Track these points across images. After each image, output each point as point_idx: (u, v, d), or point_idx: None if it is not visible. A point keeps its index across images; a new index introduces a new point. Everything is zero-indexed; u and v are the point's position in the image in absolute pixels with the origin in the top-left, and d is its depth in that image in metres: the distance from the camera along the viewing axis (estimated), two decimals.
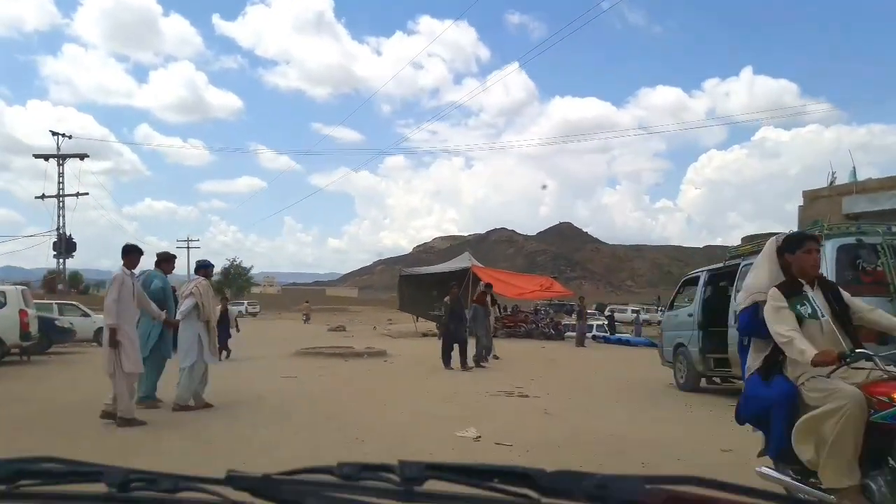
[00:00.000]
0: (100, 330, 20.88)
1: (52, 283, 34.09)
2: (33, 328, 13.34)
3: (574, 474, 0.78)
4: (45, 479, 0.86)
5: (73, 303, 20.87)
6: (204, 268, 8.44)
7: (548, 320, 27.16)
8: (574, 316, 27.33)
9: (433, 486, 0.79)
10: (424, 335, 25.70)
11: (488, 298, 16.13)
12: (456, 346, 13.03)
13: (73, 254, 32.05)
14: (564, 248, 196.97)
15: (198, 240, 75.58)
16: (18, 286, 13.90)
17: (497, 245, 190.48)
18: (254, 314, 54.30)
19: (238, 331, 16.00)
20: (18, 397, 8.81)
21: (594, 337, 26.47)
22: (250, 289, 77.19)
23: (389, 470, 0.82)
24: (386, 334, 27.37)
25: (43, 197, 31.83)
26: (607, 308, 48.75)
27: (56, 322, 15.81)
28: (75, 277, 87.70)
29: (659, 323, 42.02)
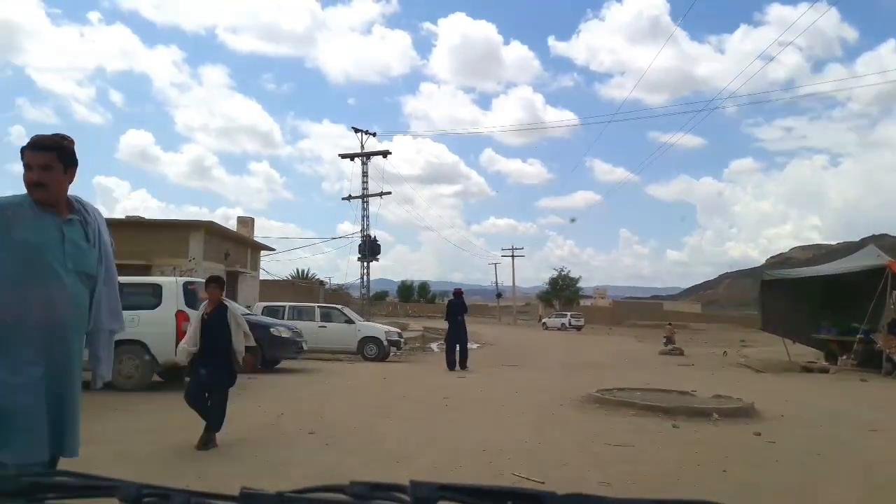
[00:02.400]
0: (364, 340, 17.64)
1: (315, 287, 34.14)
2: None
3: (584, 497, 0.79)
4: (61, 492, 0.87)
5: (338, 307, 17.66)
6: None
7: None
8: None
9: None
10: (807, 369, 16.61)
11: None
12: None
13: (378, 257, 30.77)
14: None
15: (522, 248, 73.92)
16: (181, 279, 10.02)
17: None
18: (578, 328, 48.93)
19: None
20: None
21: None
22: (579, 301, 72.70)
23: (401, 490, 0.82)
24: (743, 364, 18.81)
25: (350, 198, 31.48)
26: None
27: (271, 330, 11.94)
28: (423, 288, 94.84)
29: None
